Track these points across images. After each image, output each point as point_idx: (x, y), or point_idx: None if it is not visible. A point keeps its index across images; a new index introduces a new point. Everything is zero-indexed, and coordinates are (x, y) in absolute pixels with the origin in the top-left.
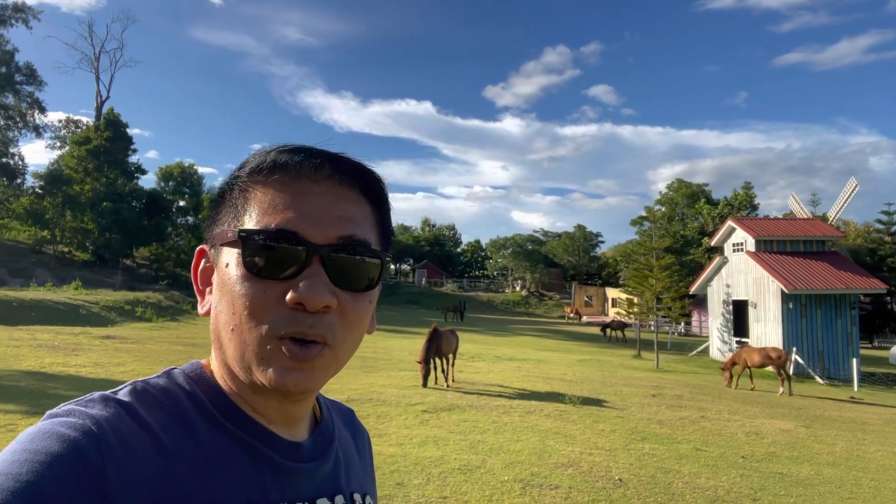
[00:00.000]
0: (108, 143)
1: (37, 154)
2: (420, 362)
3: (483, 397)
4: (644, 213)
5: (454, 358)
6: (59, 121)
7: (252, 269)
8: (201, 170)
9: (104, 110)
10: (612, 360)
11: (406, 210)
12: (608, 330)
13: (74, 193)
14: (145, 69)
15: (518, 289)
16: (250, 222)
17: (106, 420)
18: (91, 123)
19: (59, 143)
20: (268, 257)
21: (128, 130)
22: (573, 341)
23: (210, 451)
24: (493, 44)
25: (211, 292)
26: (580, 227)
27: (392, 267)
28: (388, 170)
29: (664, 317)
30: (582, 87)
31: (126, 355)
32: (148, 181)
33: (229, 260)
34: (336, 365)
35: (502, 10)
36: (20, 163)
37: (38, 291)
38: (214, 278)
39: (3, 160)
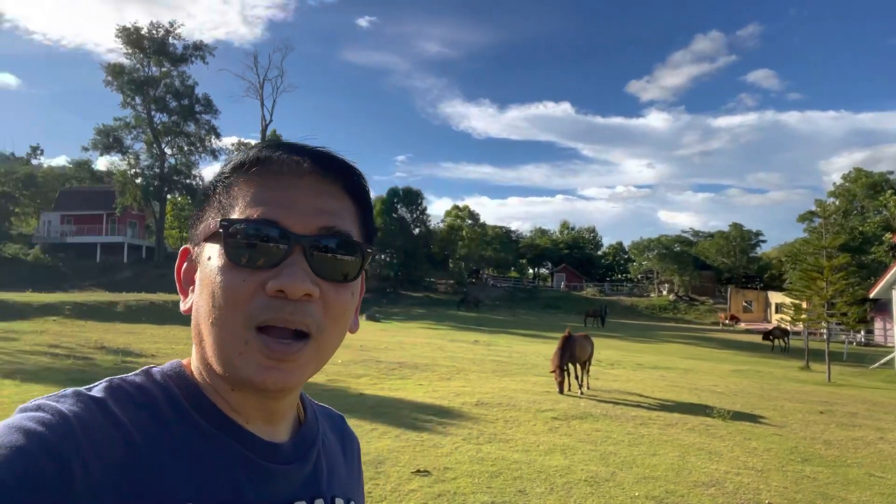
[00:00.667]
0: None
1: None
2: (553, 371)
3: (619, 406)
4: (814, 208)
5: (589, 364)
6: (232, 144)
7: (233, 259)
8: None
9: (268, 133)
10: (774, 372)
11: (544, 213)
12: (772, 338)
13: None
14: (302, 92)
15: (665, 293)
16: (233, 215)
17: (75, 415)
18: None
19: None
20: (249, 247)
21: None
22: (728, 350)
23: (183, 449)
24: (637, 36)
25: (193, 291)
26: (736, 226)
27: (530, 271)
28: (526, 173)
29: (839, 324)
30: (738, 74)
31: None
32: None
33: (211, 253)
34: (318, 359)
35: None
36: (200, 183)
37: None
38: (197, 275)
39: (188, 181)
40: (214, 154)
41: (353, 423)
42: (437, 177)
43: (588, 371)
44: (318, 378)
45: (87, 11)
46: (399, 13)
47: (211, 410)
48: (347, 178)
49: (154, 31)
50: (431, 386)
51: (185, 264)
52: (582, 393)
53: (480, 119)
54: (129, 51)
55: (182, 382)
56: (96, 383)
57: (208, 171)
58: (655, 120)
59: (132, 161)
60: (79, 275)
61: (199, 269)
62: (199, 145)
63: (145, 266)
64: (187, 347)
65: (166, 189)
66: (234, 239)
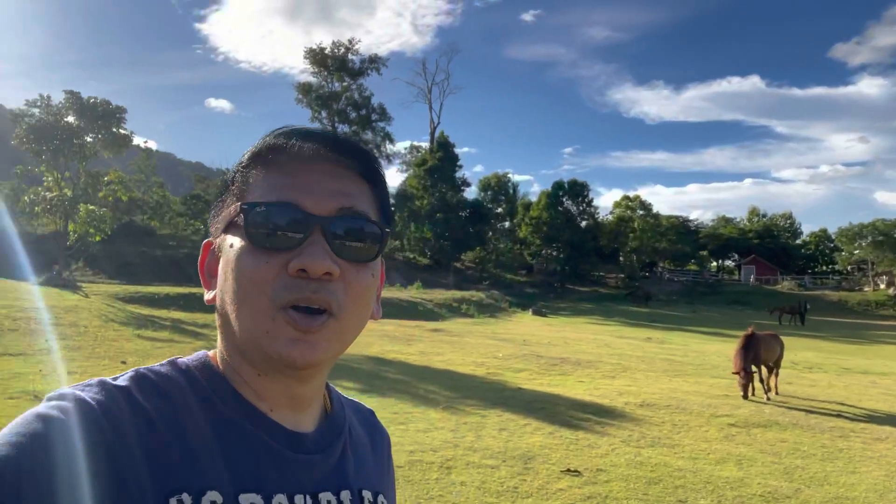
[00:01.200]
0: (440, 163)
1: (389, 178)
2: (737, 372)
3: (814, 415)
4: None
5: (778, 367)
6: (405, 148)
7: (255, 242)
8: (517, 178)
9: (436, 135)
10: None
11: (729, 200)
12: None
13: (416, 208)
14: (468, 93)
15: (882, 286)
16: (253, 199)
17: (98, 402)
18: (427, 147)
19: (405, 167)
20: (270, 229)
21: (455, 150)
22: None
23: (206, 437)
24: None
25: (215, 284)
26: None
27: (713, 264)
28: (707, 158)
29: None
30: None
31: (447, 346)
32: (471, 193)
33: (234, 240)
34: (341, 339)
35: None
36: None
37: (389, 291)
38: (220, 265)
39: None
40: (389, 159)
41: (506, 418)
42: (607, 167)
43: (777, 374)
44: (477, 371)
45: (282, 38)
46: (564, 3)
47: (235, 399)
48: (362, 162)
49: (336, 50)
50: (593, 383)
51: (207, 258)
52: (768, 398)
53: (653, 103)
54: (316, 69)
55: (207, 372)
56: (122, 373)
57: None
58: (868, 87)
59: None
60: None
61: (221, 258)
62: (375, 152)
63: None
64: (362, 337)
65: None
66: (254, 222)
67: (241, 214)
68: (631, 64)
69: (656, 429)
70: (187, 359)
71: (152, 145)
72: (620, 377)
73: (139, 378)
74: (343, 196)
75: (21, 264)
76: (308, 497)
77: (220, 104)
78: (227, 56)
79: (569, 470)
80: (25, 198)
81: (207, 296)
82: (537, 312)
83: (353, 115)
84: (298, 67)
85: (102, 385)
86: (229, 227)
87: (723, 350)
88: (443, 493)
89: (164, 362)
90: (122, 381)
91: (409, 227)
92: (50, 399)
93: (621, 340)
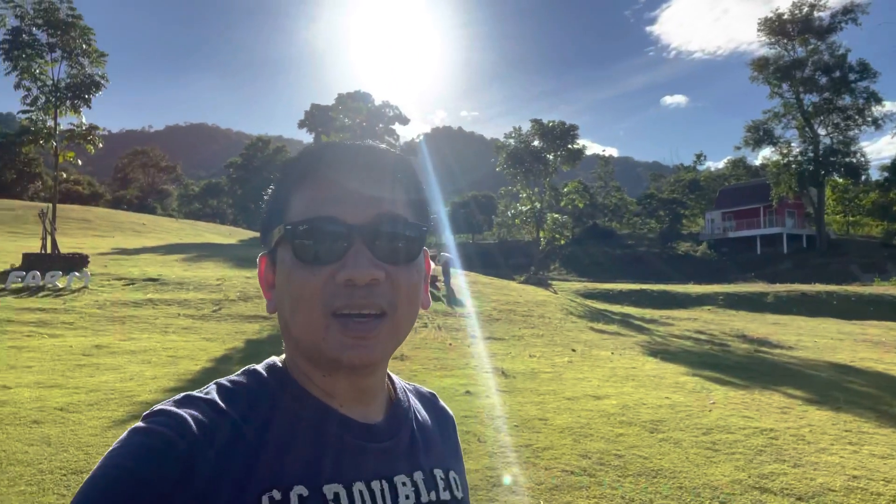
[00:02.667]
0: None
1: (879, 148)
2: None
3: None
4: None
5: None
6: None
7: (301, 258)
8: None
9: None
10: None
11: None
12: None
13: None
14: None
15: None
16: (294, 217)
17: (191, 415)
18: None
19: None
20: (313, 244)
21: None
22: None
23: (286, 436)
24: None
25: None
26: None
27: None
28: None
29: None
30: None
31: None
32: None
33: (284, 256)
34: (395, 335)
35: None
36: (862, 159)
37: (881, 286)
38: (276, 277)
39: (847, 160)
40: (877, 123)
41: None
42: None
43: None
44: None
45: (738, 15)
46: None
47: (308, 399)
48: (394, 167)
49: (796, 12)
50: None
51: (265, 270)
52: None
53: None
54: (772, 40)
55: (278, 376)
56: (206, 386)
57: (870, 146)
58: None
59: (784, 150)
60: (740, 267)
61: (277, 271)
62: (857, 118)
63: (806, 256)
64: (833, 341)
65: (823, 173)
66: (299, 240)
67: (286, 233)
68: None
69: None
70: (259, 366)
71: (613, 152)
72: None
73: (222, 389)
74: (379, 202)
75: (511, 266)
76: (384, 482)
77: (676, 100)
78: (678, 50)
79: None
80: (509, 212)
81: (268, 307)
82: None
83: (823, 80)
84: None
85: (191, 399)
86: (279, 243)
87: None
88: None
89: (239, 372)
90: (206, 395)
91: None
92: (147, 417)
93: None
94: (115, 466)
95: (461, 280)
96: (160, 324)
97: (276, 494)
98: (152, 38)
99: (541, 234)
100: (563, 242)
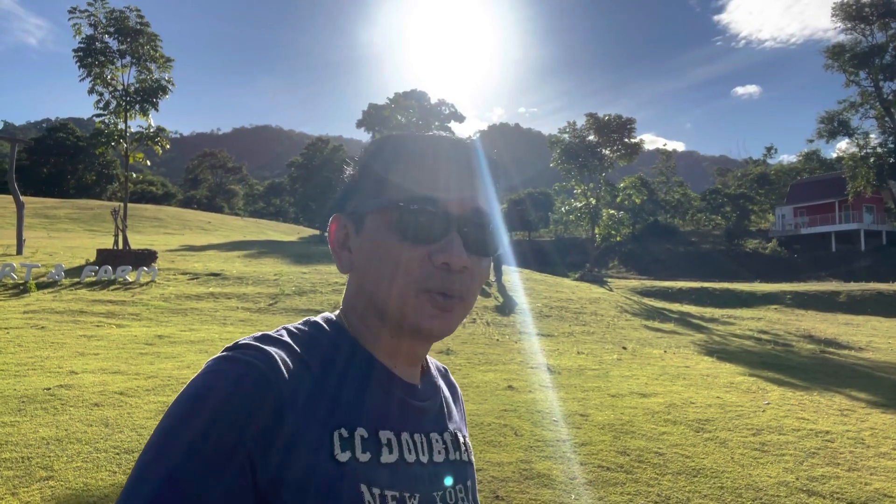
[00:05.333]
0: None
1: None
2: None
3: None
4: None
5: None
6: None
7: (403, 234)
8: None
9: None
10: None
11: None
12: None
13: None
14: None
15: None
16: (393, 193)
17: (275, 352)
18: None
19: None
20: (415, 225)
21: None
22: None
23: (347, 383)
24: None
25: (349, 254)
26: None
27: None
28: None
29: None
30: None
31: None
32: None
33: (380, 227)
34: (465, 314)
35: None
36: None
37: None
38: (358, 241)
39: None
40: None
41: None
42: None
43: None
44: None
45: (810, 2)
46: None
47: (366, 355)
48: (486, 164)
49: None
50: None
51: (337, 231)
52: None
53: None
54: (848, 26)
55: (339, 331)
56: (277, 329)
57: None
58: None
59: (861, 141)
60: (813, 265)
61: (362, 237)
62: None
63: (886, 253)
64: None
65: None
66: (403, 218)
67: (391, 209)
68: None
69: None
70: (320, 319)
71: (679, 146)
72: None
73: (293, 334)
74: (475, 196)
75: (567, 264)
76: (422, 436)
77: (748, 90)
78: (748, 39)
79: None
80: (562, 208)
81: (342, 268)
82: None
83: None
84: (832, 29)
85: (270, 338)
86: (372, 213)
87: None
88: None
89: (303, 321)
90: (282, 337)
91: None
92: (234, 348)
93: None
94: (210, 388)
95: (515, 277)
96: (219, 316)
97: (344, 432)
98: (222, 46)
99: (596, 231)
100: (619, 239)
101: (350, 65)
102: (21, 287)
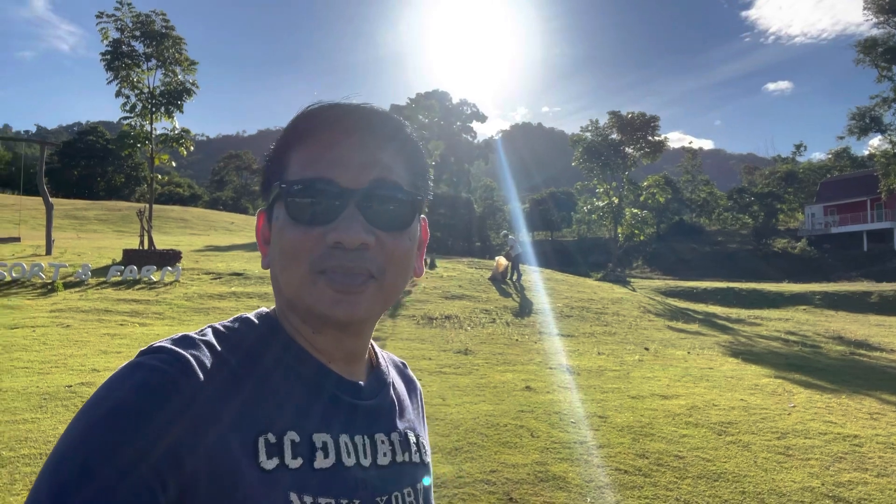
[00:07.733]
0: None
1: None
2: None
3: None
4: None
5: None
6: None
7: (294, 217)
8: None
9: None
10: None
11: None
12: None
13: None
14: None
15: None
16: (292, 177)
17: (191, 354)
18: None
19: None
20: (308, 204)
21: None
22: None
23: (279, 385)
24: None
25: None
26: None
27: None
28: None
29: None
30: None
31: None
32: None
33: (279, 213)
34: (383, 297)
35: None
36: None
37: None
38: (272, 234)
39: None
40: None
41: None
42: None
43: None
44: None
45: None
46: None
47: (298, 351)
48: (394, 131)
49: None
50: None
51: (262, 226)
52: None
53: None
54: (881, 19)
55: (272, 327)
56: (202, 328)
57: None
58: None
59: (894, 137)
60: (844, 265)
61: (273, 228)
62: None
63: None
64: None
65: None
66: (293, 199)
67: (282, 191)
68: None
69: None
70: (252, 315)
71: (707, 144)
72: None
73: (217, 333)
74: (376, 167)
75: (590, 264)
76: (366, 437)
77: (779, 86)
78: (777, 35)
79: None
80: (584, 208)
81: (263, 263)
82: None
83: None
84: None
85: (189, 339)
86: (274, 201)
87: None
88: None
89: (233, 318)
90: (203, 336)
91: None
92: (147, 353)
93: None
94: (118, 400)
95: (536, 277)
96: None
97: (272, 437)
98: (246, 49)
99: (619, 230)
100: (642, 238)
101: (372, 66)
102: (49, 286)
